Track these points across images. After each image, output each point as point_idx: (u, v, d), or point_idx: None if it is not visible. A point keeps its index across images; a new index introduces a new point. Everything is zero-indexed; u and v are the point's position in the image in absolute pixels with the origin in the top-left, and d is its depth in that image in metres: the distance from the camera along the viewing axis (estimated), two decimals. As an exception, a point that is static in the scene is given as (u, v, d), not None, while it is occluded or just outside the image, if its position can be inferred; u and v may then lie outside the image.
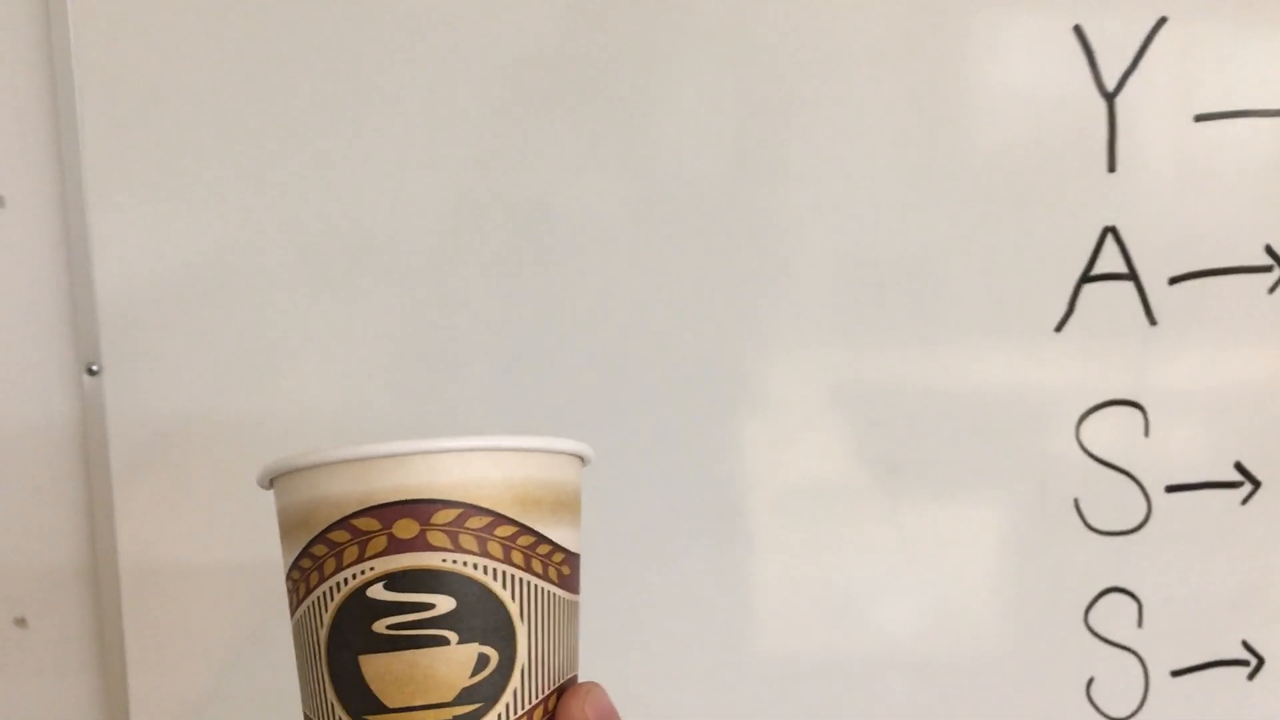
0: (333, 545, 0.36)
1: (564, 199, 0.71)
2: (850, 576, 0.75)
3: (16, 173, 0.68)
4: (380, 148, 0.70)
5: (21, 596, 0.71)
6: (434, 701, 0.35)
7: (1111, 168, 0.73)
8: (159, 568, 0.71)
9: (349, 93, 0.69)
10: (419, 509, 0.35)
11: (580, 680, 0.39)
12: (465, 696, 0.35)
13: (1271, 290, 0.74)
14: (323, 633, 0.36)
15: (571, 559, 0.39)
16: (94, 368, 0.69)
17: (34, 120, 0.68)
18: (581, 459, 0.40)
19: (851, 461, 0.74)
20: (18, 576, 0.71)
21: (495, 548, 0.36)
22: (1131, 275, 0.74)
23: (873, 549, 0.75)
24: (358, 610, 0.35)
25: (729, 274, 0.72)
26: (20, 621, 0.71)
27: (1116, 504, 0.75)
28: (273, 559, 0.40)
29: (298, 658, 0.38)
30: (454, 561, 0.35)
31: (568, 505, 0.39)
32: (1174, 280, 0.74)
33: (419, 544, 0.35)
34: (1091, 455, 0.75)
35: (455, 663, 0.35)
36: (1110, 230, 0.73)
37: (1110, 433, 0.75)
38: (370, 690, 0.35)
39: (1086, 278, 0.74)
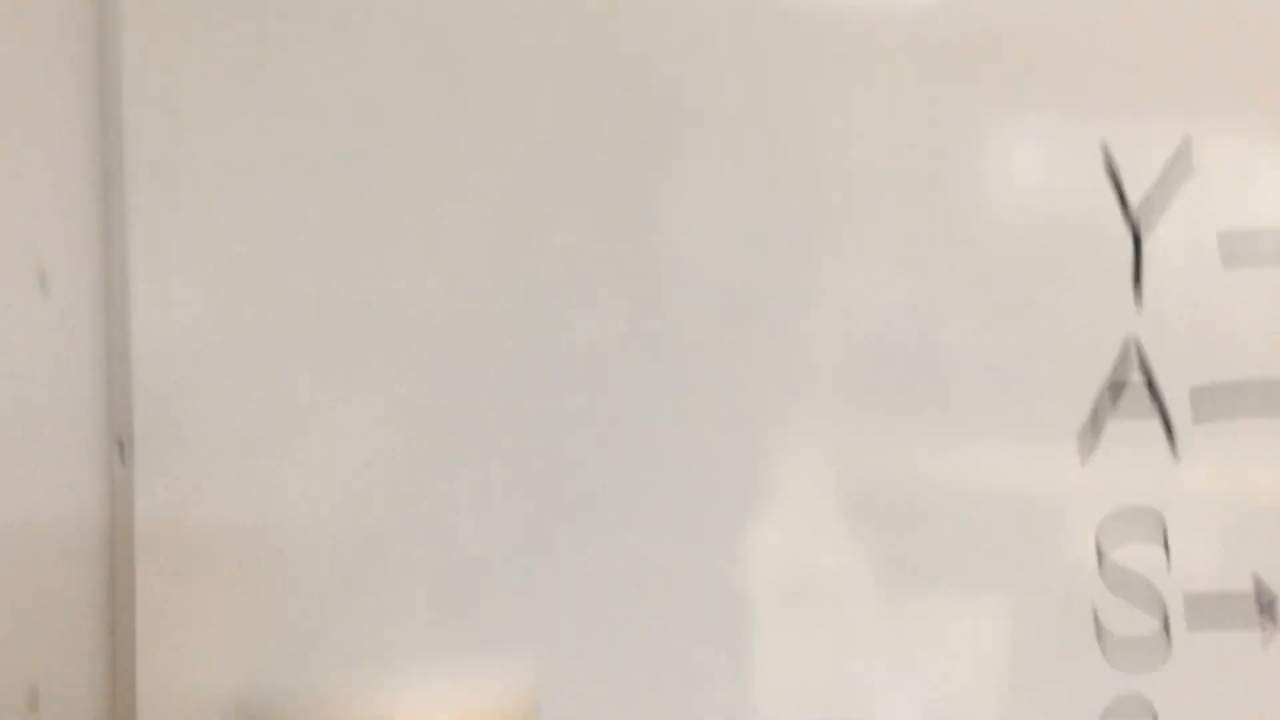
0: None
1: (572, 289, 0.71)
2: (856, 679, 0.75)
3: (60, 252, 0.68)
4: (399, 231, 0.69)
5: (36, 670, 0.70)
6: None
7: (1136, 280, 0.74)
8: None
9: (380, 179, 0.69)
10: None
11: None
12: None
13: (1292, 403, 0.76)
14: None
15: None
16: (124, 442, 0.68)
17: (79, 196, 0.68)
18: None
19: (860, 560, 0.74)
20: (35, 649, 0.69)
21: None
22: (1151, 386, 0.75)
23: (880, 651, 0.75)
24: None
25: (737, 367, 0.73)
26: (32, 702, 0.70)
27: (1135, 612, 0.75)
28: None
29: None
30: None
31: None
32: (1197, 391, 0.75)
33: None
34: (1110, 562, 0.75)
35: None
36: (1132, 340, 0.74)
37: (1130, 539, 0.75)
38: None
39: (1109, 385, 0.74)
